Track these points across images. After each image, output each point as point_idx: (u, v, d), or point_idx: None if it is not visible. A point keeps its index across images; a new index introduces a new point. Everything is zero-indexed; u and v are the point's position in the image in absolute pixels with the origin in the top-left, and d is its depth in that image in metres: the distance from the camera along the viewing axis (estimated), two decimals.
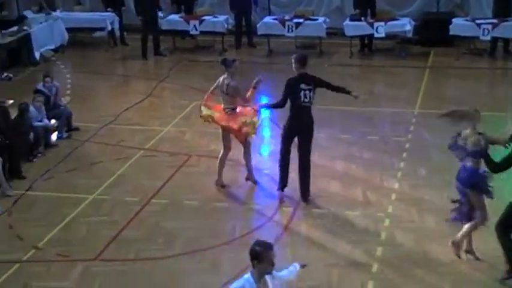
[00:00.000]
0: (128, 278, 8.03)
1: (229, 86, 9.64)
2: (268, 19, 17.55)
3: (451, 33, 16.39)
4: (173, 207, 9.65)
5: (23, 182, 10.55)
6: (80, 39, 18.94)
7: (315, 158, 11.06)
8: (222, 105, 9.85)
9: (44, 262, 8.38)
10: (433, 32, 17.29)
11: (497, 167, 7.34)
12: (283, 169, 9.60)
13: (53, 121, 12.14)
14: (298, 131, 9.39)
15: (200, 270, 8.11)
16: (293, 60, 9.30)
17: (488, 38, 16.18)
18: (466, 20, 16.56)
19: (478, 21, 16.20)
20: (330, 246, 8.53)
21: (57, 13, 18.21)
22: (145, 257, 8.42)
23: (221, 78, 9.79)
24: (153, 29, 17.31)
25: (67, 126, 12.38)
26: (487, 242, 7.94)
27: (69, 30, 18.14)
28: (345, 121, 12.68)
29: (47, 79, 12.40)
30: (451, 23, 16.45)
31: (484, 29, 15.99)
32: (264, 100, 13.00)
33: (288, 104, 9.30)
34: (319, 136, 11.96)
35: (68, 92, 14.47)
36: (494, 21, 16.10)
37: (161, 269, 8.21)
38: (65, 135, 12.23)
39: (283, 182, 9.64)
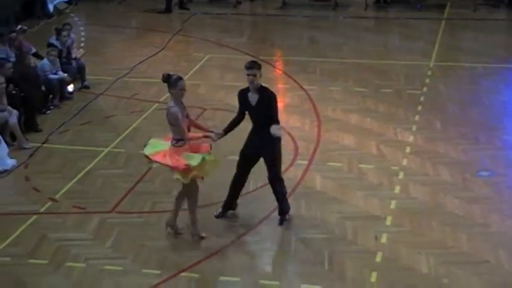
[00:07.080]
0: (144, 230, 8.08)
1: (168, 112, 7.48)
2: None
3: None
4: None
5: (39, 134, 10.61)
6: None
7: (329, 111, 11.08)
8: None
9: (60, 214, 8.46)
10: None
11: None
12: None
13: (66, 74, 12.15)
14: None
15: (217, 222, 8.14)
16: None
17: None
18: None
19: None
20: (343, 199, 8.55)
21: None
22: (160, 209, 8.44)
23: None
24: None
25: (80, 79, 12.40)
26: None
27: None
28: (360, 74, 12.61)
29: (64, 33, 12.38)
30: None
31: None
32: None
33: None
34: (334, 89, 11.96)
35: (82, 44, 14.43)
36: None
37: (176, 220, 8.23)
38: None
39: None
